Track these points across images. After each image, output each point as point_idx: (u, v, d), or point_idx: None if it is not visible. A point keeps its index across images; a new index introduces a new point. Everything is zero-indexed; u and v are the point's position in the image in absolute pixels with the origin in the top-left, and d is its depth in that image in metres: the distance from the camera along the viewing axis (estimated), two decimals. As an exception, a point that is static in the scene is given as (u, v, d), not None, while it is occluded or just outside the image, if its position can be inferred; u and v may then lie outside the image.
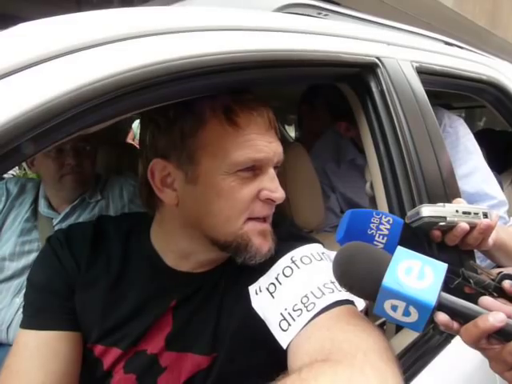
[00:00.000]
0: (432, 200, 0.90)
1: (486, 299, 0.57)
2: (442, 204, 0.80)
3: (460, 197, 1.01)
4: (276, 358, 0.66)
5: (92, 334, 0.78)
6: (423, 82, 1.05)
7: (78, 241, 0.82)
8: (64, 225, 1.40)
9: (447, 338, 0.85)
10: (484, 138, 1.85)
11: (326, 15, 1.15)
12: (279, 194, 0.73)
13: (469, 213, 0.79)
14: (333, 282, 0.69)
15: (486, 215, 0.80)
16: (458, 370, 0.85)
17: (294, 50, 0.79)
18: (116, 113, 0.55)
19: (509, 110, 1.44)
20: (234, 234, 0.71)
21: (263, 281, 0.73)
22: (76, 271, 0.79)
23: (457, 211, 0.79)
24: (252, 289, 0.74)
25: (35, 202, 1.44)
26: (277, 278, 0.72)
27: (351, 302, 0.68)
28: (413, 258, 0.57)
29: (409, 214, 0.83)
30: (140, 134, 0.78)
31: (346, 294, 0.68)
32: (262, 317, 0.71)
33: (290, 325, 0.66)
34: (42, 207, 1.41)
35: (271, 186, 0.72)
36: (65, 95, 0.47)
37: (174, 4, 0.87)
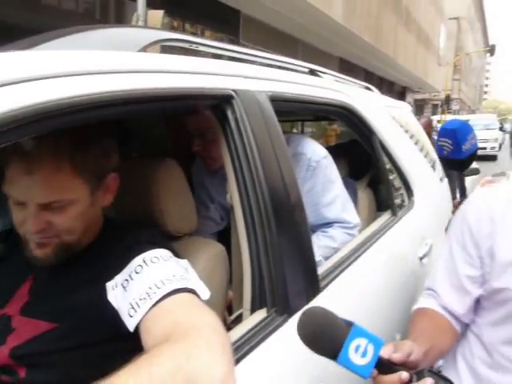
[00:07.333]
0: (276, 208, 1.11)
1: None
2: None
3: (302, 205, 1.24)
4: (126, 344, 0.81)
5: None
6: (277, 108, 1.27)
7: None
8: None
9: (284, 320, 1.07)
10: (348, 149, 2.16)
11: (196, 47, 1.33)
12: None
13: None
14: (174, 276, 0.84)
15: None
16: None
17: (162, 88, 0.93)
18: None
19: (358, 127, 1.73)
20: None
21: (119, 278, 0.88)
22: None
23: None
24: (109, 285, 0.88)
25: None
26: (130, 275, 0.87)
27: (192, 290, 0.84)
28: (362, 337, 0.78)
29: None
30: None
31: (185, 283, 0.84)
32: (116, 307, 0.86)
33: (135, 311, 0.80)
34: None
35: None
36: None
37: (32, 48, 0.85)
